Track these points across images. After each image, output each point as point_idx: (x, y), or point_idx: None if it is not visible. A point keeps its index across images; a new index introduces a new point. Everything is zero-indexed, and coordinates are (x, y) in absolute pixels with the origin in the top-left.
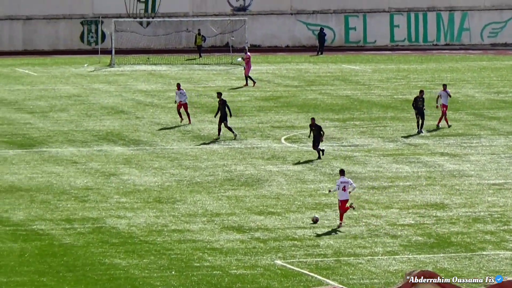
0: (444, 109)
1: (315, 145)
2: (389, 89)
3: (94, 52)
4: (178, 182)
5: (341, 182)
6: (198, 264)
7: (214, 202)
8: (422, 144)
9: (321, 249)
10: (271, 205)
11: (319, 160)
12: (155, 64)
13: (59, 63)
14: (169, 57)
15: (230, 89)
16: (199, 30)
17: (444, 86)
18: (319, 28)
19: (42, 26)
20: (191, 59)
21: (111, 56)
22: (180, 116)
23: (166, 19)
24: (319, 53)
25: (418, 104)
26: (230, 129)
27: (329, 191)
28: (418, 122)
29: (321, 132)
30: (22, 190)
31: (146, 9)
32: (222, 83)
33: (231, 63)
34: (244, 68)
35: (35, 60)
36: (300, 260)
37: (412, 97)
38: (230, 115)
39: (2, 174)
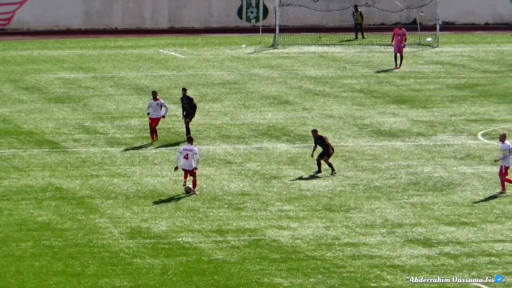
0: None
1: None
2: None
3: (254, 30)
4: (353, 187)
5: (184, 150)
6: (375, 284)
7: (395, 211)
8: None
9: None
10: (464, 214)
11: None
12: (327, 44)
13: (211, 43)
14: (344, 36)
15: (418, 75)
16: (355, 6)
17: None
18: None
19: None
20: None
21: (275, 35)
22: (152, 137)
23: None
24: None
25: None
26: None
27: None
28: None
29: (325, 145)
30: (165, 196)
31: None
32: (407, 67)
33: (418, 44)
34: (404, 46)
35: (183, 40)
36: None
37: None
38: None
39: (141, 177)
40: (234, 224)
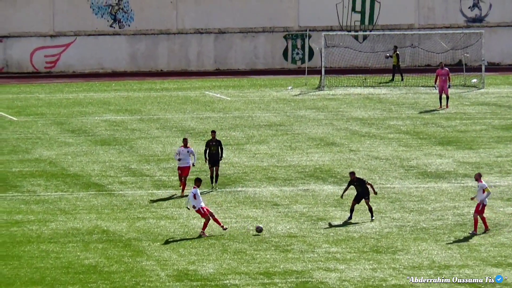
0: None
1: (361, 200)
2: None
3: (300, 72)
4: (400, 228)
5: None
6: None
7: (442, 252)
8: None
9: None
10: (511, 255)
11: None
12: (373, 86)
13: (257, 85)
14: (389, 77)
15: (463, 116)
16: (395, 47)
17: None
18: None
19: (238, 41)
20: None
21: (321, 77)
22: (183, 188)
23: (387, 32)
24: None
25: None
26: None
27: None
28: None
29: (367, 186)
30: (211, 238)
31: (362, 21)
32: (453, 109)
33: (464, 85)
34: (450, 86)
35: (229, 81)
36: None
37: None
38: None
39: (188, 219)
40: (281, 266)
